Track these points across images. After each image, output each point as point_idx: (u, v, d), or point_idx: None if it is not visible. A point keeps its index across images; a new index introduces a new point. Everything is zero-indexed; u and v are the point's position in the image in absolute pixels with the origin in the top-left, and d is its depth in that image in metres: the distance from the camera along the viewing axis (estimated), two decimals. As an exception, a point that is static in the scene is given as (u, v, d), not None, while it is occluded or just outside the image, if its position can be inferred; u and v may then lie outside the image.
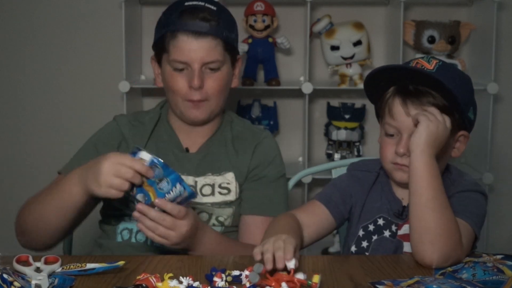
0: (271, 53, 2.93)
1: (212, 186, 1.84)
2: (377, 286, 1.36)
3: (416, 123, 1.55)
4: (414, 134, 1.54)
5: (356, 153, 2.99)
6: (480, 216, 1.61)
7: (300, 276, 1.37)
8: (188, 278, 1.37)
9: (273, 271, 1.39)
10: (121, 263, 1.45)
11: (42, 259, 1.48)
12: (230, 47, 1.85)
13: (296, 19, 3.00)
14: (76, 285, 1.40)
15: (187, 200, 1.59)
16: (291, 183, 2.05)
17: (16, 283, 1.32)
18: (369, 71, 1.69)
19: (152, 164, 1.57)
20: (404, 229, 1.66)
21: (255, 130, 1.96)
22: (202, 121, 1.87)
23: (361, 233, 1.71)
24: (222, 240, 1.75)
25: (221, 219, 1.84)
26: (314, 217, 1.71)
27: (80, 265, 1.46)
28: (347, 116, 2.99)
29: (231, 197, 1.84)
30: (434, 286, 1.33)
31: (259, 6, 2.87)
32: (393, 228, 1.68)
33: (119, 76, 2.83)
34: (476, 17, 3.01)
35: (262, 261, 1.39)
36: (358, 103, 3.01)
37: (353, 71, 2.94)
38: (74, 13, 3.04)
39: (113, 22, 2.94)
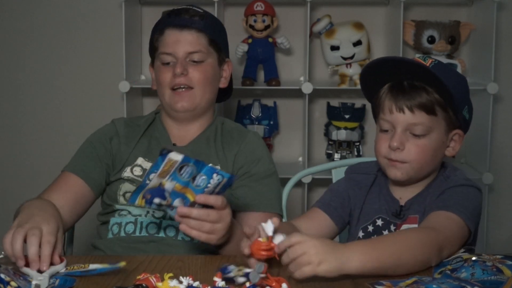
0: (271, 53, 2.93)
1: None
2: (376, 286, 1.37)
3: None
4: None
5: (356, 153, 3.00)
6: (473, 209, 1.60)
7: (279, 238, 1.39)
8: (188, 278, 1.37)
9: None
10: (122, 264, 1.46)
11: None
12: (215, 44, 1.93)
13: (296, 19, 3.00)
14: (77, 285, 1.40)
15: (226, 187, 1.56)
16: (291, 183, 2.05)
17: (12, 283, 1.32)
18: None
19: (184, 163, 1.54)
20: (403, 229, 1.66)
21: (243, 130, 2.00)
22: (187, 111, 1.91)
23: (360, 234, 1.71)
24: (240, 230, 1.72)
25: None
26: (314, 222, 1.73)
27: (83, 265, 1.46)
28: (347, 116, 2.99)
29: None
30: (434, 286, 1.33)
31: (259, 6, 2.87)
32: (392, 228, 1.68)
33: (119, 76, 2.84)
34: (476, 17, 3.01)
35: (262, 261, 1.39)
36: (358, 103, 3.01)
37: (353, 71, 2.94)
38: (74, 13, 3.05)
39: (113, 22, 2.94)
